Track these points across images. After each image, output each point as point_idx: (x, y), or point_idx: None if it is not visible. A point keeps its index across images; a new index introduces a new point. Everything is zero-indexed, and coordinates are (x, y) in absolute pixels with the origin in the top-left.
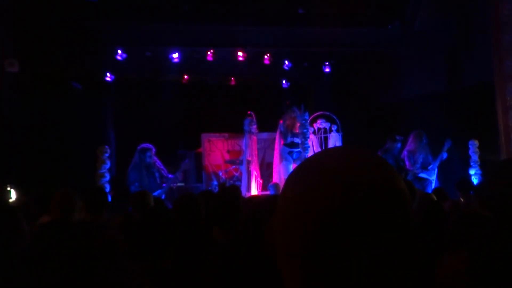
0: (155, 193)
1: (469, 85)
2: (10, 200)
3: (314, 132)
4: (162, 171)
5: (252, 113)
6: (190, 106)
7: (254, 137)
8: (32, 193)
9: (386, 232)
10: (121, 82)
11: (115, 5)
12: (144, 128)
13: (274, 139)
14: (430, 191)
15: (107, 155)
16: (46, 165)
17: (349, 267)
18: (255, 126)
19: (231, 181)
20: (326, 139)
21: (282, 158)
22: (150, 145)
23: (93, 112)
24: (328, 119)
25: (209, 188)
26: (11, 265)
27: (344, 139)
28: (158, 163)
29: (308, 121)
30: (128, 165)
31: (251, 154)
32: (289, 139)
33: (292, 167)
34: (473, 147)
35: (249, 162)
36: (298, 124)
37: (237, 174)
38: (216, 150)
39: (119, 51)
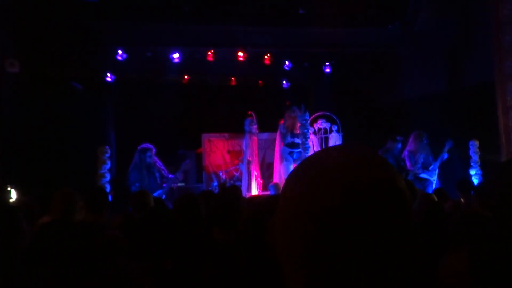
0: (156, 193)
1: (470, 85)
2: (11, 200)
3: (314, 133)
4: (163, 171)
5: (252, 113)
6: (191, 106)
7: (255, 137)
8: (32, 193)
9: (386, 231)
10: (122, 82)
11: (116, 5)
12: (144, 128)
13: (275, 139)
14: (430, 192)
15: (107, 155)
16: (46, 165)
17: (349, 267)
18: (255, 126)
19: (232, 181)
20: (326, 139)
21: (283, 158)
22: (150, 145)
23: (93, 112)
24: (328, 119)
25: (210, 188)
26: (11, 265)
27: (344, 140)
28: (159, 163)
29: (309, 122)
30: (128, 165)
31: (252, 154)
32: (290, 140)
33: (292, 167)
34: (474, 147)
35: (249, 162)
36: (299, 125)
37: (237, 174)
38: (216, 150)
39: (120, 51)
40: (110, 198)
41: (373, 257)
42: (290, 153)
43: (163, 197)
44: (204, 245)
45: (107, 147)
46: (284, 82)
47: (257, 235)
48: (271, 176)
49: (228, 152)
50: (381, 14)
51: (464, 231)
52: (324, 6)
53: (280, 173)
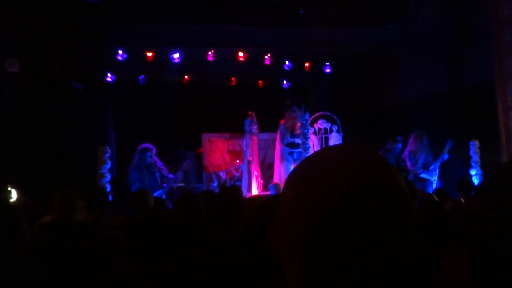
0: (156, 193)
1: (470, 85)
2: (11, 200)
3: (314, 133)
4: (163, 171)
5: (252, 113)
6: (191, 106)
7: (255, 137)
8: (32, 193)
9: (386, 231)
10: (122, 82)
11: (116, 5)
12: (144, 128)
13: (275, 139)
14: (431, 192)
15: (107, 155)
16: (46, 166)
17: (350, 266)
18: (255, 126)
19: (232, 181)
20: (326, 139)
21: (283, 158)
22: (150, 145)
23: (93, 112)
24: (328, 119)
25: (210, 188)
26: (11, 265)
27: (344, 140)
28: (159, 163)
29: (309, 122)
30: (128, 165)
31: (252, 154)
32: (290, 140)
33: (292, 167)
34: (474, 147)
35: (249, 163)
36: (299, 125)
37: (237, 174)
38: (216, 151)
39: (120, 51)
40: (110, 198)
41: (374, 257)
42: (291, 153)
43: (164, 197)
44: (204, 245)
45: (107, 147)
46: (284, 82)
47: (257, 235)
48: (271, 176)
49: (229, 152)
50: (381, 14)
51: (464, 231)
52: (324, 6)
53: (280, 173)
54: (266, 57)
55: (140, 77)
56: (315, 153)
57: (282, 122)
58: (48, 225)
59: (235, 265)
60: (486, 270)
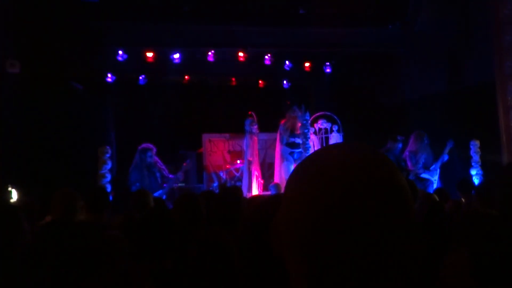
0: (156, 194)
1: (470, 85)
2: (12, 200)
3: (315, 133)
4: (163, 171)
5: (253, 113)
6: (191, 106)
7: (255, 138)
8: (32, 193)
9: (387, 230)
10: (122, 82)
11: (116, 5)
12: (145, 128)
13: (275, 139)
14: (431, 192)
15: (108, 155)
16: (47, 166)
17: (351, 265)
18: (256, 127)
19: (232, 182)
20: (327, 139)
21: (283, 158)
22: (150, 145)
23: (94, 112)
24: (329, 119)
25: (210, 188)
26: (11, 265)
27: (345, 139)
28: (159, 163)
29: (309, 122)
30: (129, 165)
31: (252, 154)
32: (290, 140)
33: (293, 167)
34: (474, 147)
35: (250, 163)
36: (299, 125)
37: (238, 175)
38: (217, 151)
39: (120, 52)
40: (110, 198)
41: (374, 256)
42: (291, 153)
43: (164, 197)
44: (204, 245)
45: (107, 147)
46: (285, 82)
47: (257, 235)
48: (271, 176)
49: (229, 152)
50: (381, 14)
51: (464, 231)
52: (324, 6)
53: (281, 173)
54: (266, 57)
55: (140, 77)
56: (316, 152)
57: (283, 122)
58: (48, 225)
59: (235, 265)
60: (486, 270)
